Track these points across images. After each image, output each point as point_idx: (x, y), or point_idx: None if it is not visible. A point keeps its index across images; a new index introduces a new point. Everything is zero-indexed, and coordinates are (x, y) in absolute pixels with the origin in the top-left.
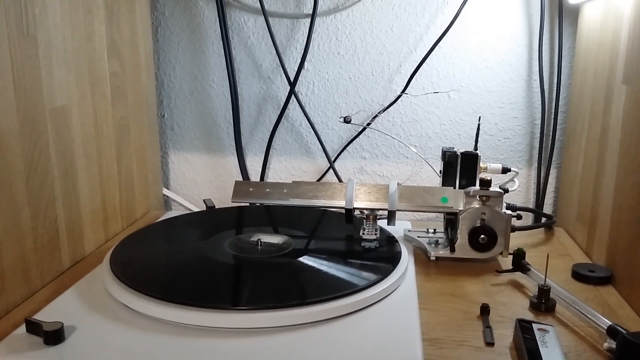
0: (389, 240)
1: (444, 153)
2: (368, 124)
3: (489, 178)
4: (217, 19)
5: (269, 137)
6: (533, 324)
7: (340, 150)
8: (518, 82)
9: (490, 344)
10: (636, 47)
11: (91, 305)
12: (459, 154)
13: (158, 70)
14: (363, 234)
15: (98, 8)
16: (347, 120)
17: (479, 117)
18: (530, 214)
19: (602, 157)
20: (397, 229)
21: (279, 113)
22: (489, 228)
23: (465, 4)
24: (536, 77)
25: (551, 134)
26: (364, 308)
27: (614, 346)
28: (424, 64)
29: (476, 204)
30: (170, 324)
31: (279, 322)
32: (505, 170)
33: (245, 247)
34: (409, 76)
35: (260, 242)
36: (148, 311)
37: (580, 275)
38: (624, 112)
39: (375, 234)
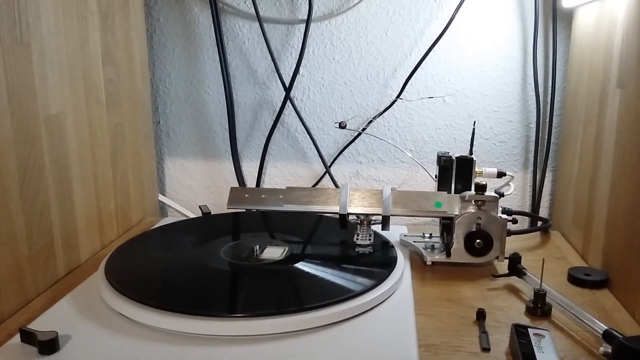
0: (385, 246)
1: (439, 157)
2: (363, 129)
3: (484, 182)
4: (212, 25)
5: (264, 142)
6: (529, 329)
7: (336, 155)
8: (513, 86)
9: (486, 349)
10: (630, 51)
11: (86, 314)
12: (454, 158)
13: (153, 77)
14: (357, 239)
15: (92, 15)
16: (342, 126)
17: (474, 122)
18: (526, 217)
19: (597, 160)
20: (394, 234)
21: (274, 118)
22: (485, 232)
23: (459, 8)
24: (531, 80)
25: (546, 137)
26: (361, 314)
27: (610, 351)
28: (418, 69)
29: (472, 209)
30: (166, 333)
31: (276, 329)
32: (500, 175)
33: (241, 254)
34: (404, 81)
35: (257, 249)
36: (144, 320)
37: (576, 279)
38: (618, 115)
39: (369, 239)
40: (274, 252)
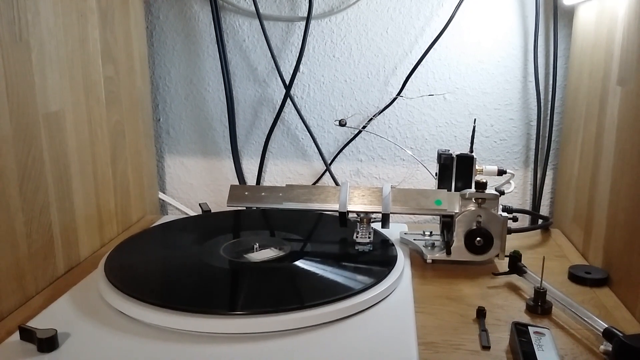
0: (385, 244)
1: (439, 155)
2: (364, 127)
3: (484, 180)
4: (212, 23)
5: (264, 140)
6: (529, 327)
7: (336, 153)
8: (513, 84)
9: (486, 347)
10: (630, 48)
11: (86, 311)
12: (454, 156)
13: (153, 74)
14: (357, 237)
15: (92, 12)
16: (342, 124)
17: (474, 119)
18: (527, 215)
19: (598, 158)
20: (394, 232)
21: (274, 116)
22: (485, 230)
23: (459, 6)
24: (531, 78)
25: (547, 135)
26: (360, 312)
27: (610, 349)
28: (419, 66)
29: (472, 207)
30: (165, 330)
31: (275, 327)
32: (501, 172)
33: (241, 252)
34: (404, 78)
35: (256, 247)
36: (143, 317)
37: (576, 277)
38: (619, 113)
39: (369, 237)
40: (268, 254)
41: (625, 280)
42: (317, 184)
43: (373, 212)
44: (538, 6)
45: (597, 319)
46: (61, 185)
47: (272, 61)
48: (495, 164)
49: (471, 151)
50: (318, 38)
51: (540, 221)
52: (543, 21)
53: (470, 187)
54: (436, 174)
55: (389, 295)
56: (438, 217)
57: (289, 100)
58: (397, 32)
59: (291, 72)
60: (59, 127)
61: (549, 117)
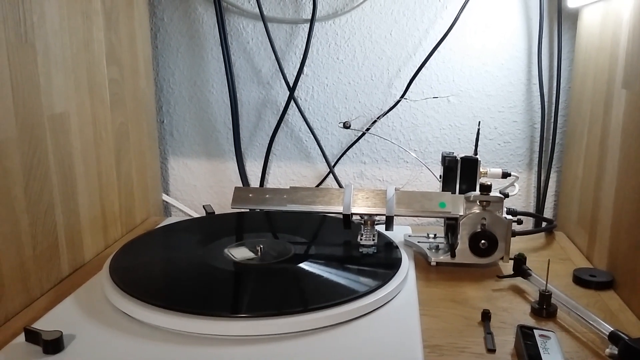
0: (390, 246)
1: (443, 158)
2: (367, 129)
3: (489, 183)
4: (216, 25)
5: (268, 142)
6: (534, 330)
7: (340, 155)
8: (517, 86)
9: (491, 350)
10: (636, 51)
11: (90, 313)
12: (458, 158)
13: (157, 76)
14: (361, 239)
15: (96, 14)
16: (346, 126)
17: (479, 122)
18: (531, 218)
19: (603, 161)
20: (398, 234)
21: (278, 118)
22: (490, 233)
23: (464, 8)
24: (536, 81)
25: (551, 137)
26: (365, 314)
27: (616, 352)
28: (423, 69)
29: (476, 209)
30: (170, 332)
31: (279, 330)
32: (505, 175)
33: (245, 254)
34: (408, 81)
35: (261, 248)
36: (148, 319)
37: (581, 280)
38: (624, 116)
39: (373, 240)
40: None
41: (630, 283)
42: (320, 186)
43: (377, 215)
44: (542, 9)
45: (602, 322)
46: (66, 186)
47: (276, 63)
48: (499, 166)
49: (475, 154)
50: (322, 40)
51: (544, 224)
52: (547, 24)
53: (475, 190)
54: (440, 176)
55: (393, 297)
56: (442, 220)
57: (292, 102)
58: (401, 35)
59: (295, 74)
60: (63, 128)
61: (553, 120)
